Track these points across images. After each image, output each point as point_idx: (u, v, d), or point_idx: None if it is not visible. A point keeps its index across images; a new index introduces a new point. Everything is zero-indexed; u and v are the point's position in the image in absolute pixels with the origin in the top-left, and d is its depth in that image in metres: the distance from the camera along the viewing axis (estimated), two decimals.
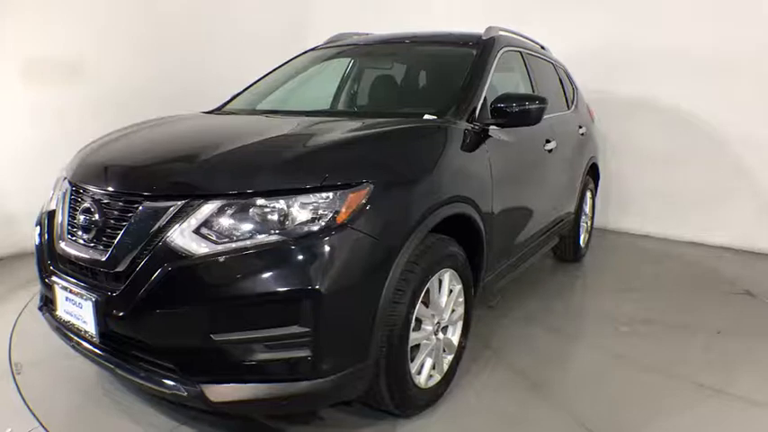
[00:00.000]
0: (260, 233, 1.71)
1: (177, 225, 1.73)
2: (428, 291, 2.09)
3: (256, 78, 3.38)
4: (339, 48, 3.50)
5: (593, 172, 4.66)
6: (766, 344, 3.00)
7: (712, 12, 4.74)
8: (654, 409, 2.31)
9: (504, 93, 2.67)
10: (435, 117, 2.46)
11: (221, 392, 1.71)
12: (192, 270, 1.69)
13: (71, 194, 2.09)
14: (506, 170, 2.71)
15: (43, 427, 2.08)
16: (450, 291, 2.29)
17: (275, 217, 1.73)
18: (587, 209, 4.56)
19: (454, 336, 2.37)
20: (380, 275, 1.83)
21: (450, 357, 2.35)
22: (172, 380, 1.75)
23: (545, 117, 3.31)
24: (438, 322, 2.22)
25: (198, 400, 1.73)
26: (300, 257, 1.68)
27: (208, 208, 1.74)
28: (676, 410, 2.30)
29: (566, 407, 2.30)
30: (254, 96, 3.24)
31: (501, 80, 3.37)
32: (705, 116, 4.94)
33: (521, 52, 3.43)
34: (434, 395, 2.26)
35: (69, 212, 2.07)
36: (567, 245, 4.35)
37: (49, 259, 2.10)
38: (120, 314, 1.76)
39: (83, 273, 1.94)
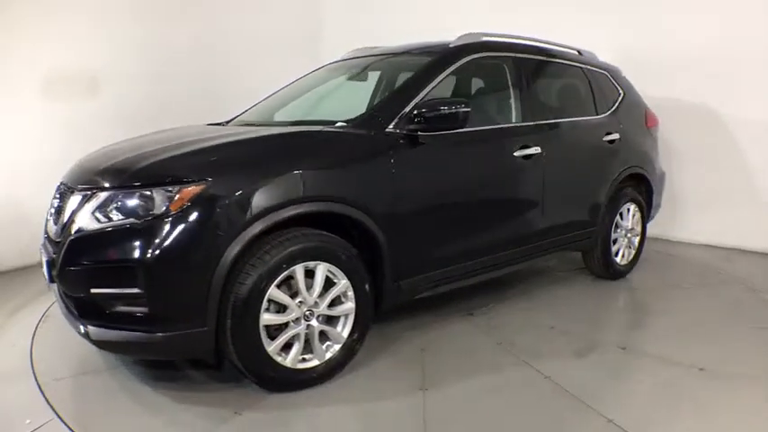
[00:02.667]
0: (122, 217, 2.18)
1: (83, 209, 2.28)
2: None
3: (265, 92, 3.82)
4: (340, 62, 3.82)
5: (639, 183, 4.22)
6: None
7: None
8: None
9: (430, 98, 2.76)
10: (345, 124, 2.68)
11: (97, 333, 2.22)
12: (84, 241, 2.23)
13: (57, 188, 2.80)
14: (429, 176, 2.78)
15: (59, 417, 2.27)
16: (335, 284, 2.48)
17: (133, 205, 2.18)
18: (628, 223, 4.12)
19: (343, 328, 2.54)
20: (211, 257, 2.15)
21: (337, 347, 2.53)
22: (76, 319, 2.29)
23: (527, 123, 3.29)
24: (310, 310, 2.42)
25: (86, 337, 2.25)
26: (139, 236, 2.12)
27: (98, 197, 2.26)
28: None
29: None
30: (264, 109, 3.67)
31: (467, 85, 3.40)
32: None
33: (512, 57, 3.38)
34: (309, 377, 2.46)
35: (53, 201, 2.78)
36: (594, 261, 4.02)
37: (44, 235, 2.83)
38: (54, 271, 2.36)
39: (50, 243, 2.60)
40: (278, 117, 3.49)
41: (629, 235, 4.17)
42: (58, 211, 2.51)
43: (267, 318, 2.30)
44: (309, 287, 2.42)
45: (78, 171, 2.56)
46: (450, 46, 3.18)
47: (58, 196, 2.60)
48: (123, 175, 2.27)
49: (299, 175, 2.36)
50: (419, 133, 2.74)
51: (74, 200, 2.37)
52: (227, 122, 3.50)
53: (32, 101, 4.27)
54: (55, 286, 2.39)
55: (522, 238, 3.34)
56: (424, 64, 3.03)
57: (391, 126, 2.70)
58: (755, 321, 3.34)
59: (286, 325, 2.39)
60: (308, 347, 2.46)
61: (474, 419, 2.27)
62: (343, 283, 2.49)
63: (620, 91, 4.18)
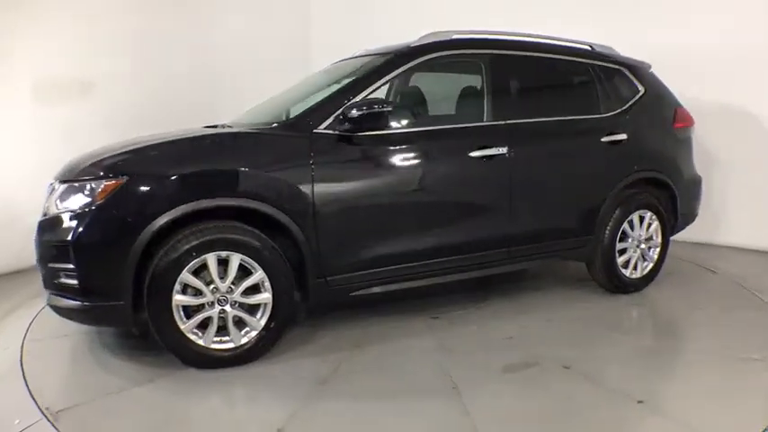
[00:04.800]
0: (68, 205, 2.58)
1: (51, 198, 2.75)
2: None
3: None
4: (341, 62, 3.92)
5: (658, 188, 3.80)
6: None
7: None
8: None
9: (360, 99, 2.83)
10: (276, 125, 2.86)
11: (51, 299, 2.65)
12: (46, 223, 2.67)
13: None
14: (359, 176, 2.85)
15: (47, 419, 2.31)
16: (250, 274, 2.66)
17: (74, 196, 2.58)
18: (641, 232, 3.73)
19: (261, 317, 2.71)
20: (125, 240, 2.46)
21: (254, 334, 2.71)
22: (45, 289, 2.74)
23: (490, 123, 3.19)
24: (224, 296, 2.63)
25: (48, 303, 2.69)
26: (69, 221, 2.52)
27: (58, 189, 2.69)
28: None
29: None
30: (262, 110, 3.85)
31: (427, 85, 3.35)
32: None
33: (487, 55, 3.30)
34: (224, 358, 2.67)
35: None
36: (596, 272, 3.72)
37: None
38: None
39: None
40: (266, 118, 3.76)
41: (642, 246, 3.77)
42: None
43: (180, 299, 2.57)
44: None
45: (59, 168, 3.06)
46: (410, 46, 3.19)
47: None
48: (74, 171, 2.68)
49: (212, 172, 2.60)
50: (357, 134, 2.83)
51: (53, 190, 2.85)
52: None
53: (26, 105, 4.34)
54: None
55: (480, 244, 3.21)
56: (372, 65, 3.09)
57: (323, 127, 2.81)
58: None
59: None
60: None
61: (348, 419, 2.33)
62: (258, 273, 2.67)
63: (640, 88, 3.81)
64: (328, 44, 4.49)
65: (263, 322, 2.72)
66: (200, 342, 2.64)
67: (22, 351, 2.97)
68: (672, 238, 4.04)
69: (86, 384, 2.63)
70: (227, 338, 2.69)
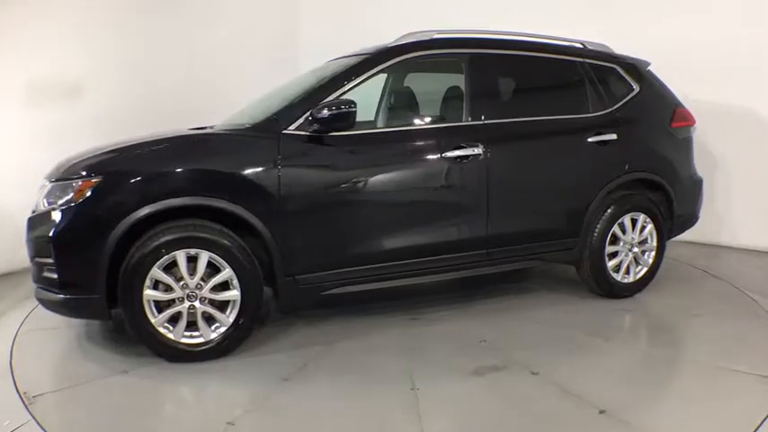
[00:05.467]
0: (51, 203, 2.71)
1: (40, 196, 2.90)
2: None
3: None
4: (333, 61, 3.95)
5: (653, 190, 3.68)
6: None
7: None
8: None
9: (330, 100, 2.86)
10: (248, 126, 2.93)
11: (38, 293, 2.80)
12: (35, 219, 2.80)
13: None
14: (327, 176, 2.89)
15: (36, 421, 2.30)
16: (220, 271, 2.73)
17: (57, 194, 2.70)
18: (634, 236, 3.62)
19: (230, 314, 2.78)
20: (98, 237, 2.57)
21: (222, 329, 2.78)
22: (34, 282, 2.89)
23: (467, 123, 3.17)
24: (193, 292, 2.71)
25: (36, 296, 2.83)
26: (51, 218, 2.64)
27: (46, 187, 2.83)
28: None
29: None
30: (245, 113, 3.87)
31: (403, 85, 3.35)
32: None
33: (467, 54, 3.28)
34: (194, 353, 2.74)
35: None
36: (585, 276, 3.63)
37: None
38: None
39: None
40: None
41: (635, 249, 3.66)
42: None
43: (150, 293, 2.66)
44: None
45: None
46: (388, 46, 3.20)
47: None
48: (59, 171, 2.81)
49: (180, 173, 2.69)
50: (328, 134, 2.87)
51: (43, 188, 3.00)
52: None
53: (16, 107, 4.34)
54: None
55: (457, 246, 3.19)
56: (347, 66, 3.11)
57: (292, 128, 2.86)
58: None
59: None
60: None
61: (298, 416, 2.36)
62: (226, 271, 2.74)
63: (634, 86, 3.70)
64: (318, 44, 4.50)
65: (231, 319, 2.79)
66: (171, 336, 2.73)
67: (12, 352, 3.00)
68: (675, 239, 3.92)
69: (66, 372, 2.78)
70: (197, 333, 2.78)
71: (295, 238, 2.84)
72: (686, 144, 3.84)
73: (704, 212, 4.11)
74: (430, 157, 3.09)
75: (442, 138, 3.11)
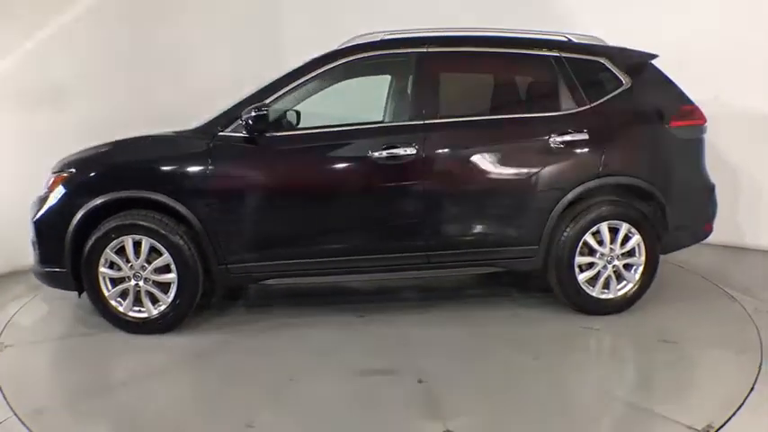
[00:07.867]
0: (43, 192, 3.34)
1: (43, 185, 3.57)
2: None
3: None
4: None
5: (642, 197, 3.26)
6: None
7: None
8: None
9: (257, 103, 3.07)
10: (192, 128, 3.25)
11: (32, 267, 3.38)
12: (33, 205, 3.41)
13: None
14: (253, 175, 3.13)
15: (17, 417, 2.41)
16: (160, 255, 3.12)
17: (46, 185, 3.31)
18: (614, 247, 3.21)
19: (169, 293, 3.13)
20: (63, 221, 3.09)
21: (163, 307, 3.14)
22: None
23: (401, 123, 3.19)
24: (138, 273, 3.12)
25: (31, 269, 3.42)
26: (38, 204, 3.23)
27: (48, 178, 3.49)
28: None
29: None
30: None
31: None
32: None
33: (415, 54, 3.23)
34: (139, 324, 3.15)
35: None
36: (553, 287, 3.33)
37: None
38: None
39: None
40: None
41: (616, 262, 3.25)
42: None
43: (103, 271, 3.13)
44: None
45: None
46: (335, 48, 3.31)
47: None
48: (54, 166, 3.44)
49: (126, 170, 3.14)
50: (262, 135, 3.10)
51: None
52: None
53: (8, 112, 4.37)
54: None
55: (391, 247, 3.18)
56: (291, 68, 3.28)
57: (228, 130, 3.13)
58: None
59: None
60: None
61: (182, 387, 2.63)
62: (165, 256, 3.11)
63: (624, 81, 3.29)
64: (304, 45, 4.54)
65: (170, 298, 3.16)
66: (120, 309, 3.18)
67: None
68: None
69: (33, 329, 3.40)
70: (143, 309, 3.20)
71: (225, 231, 3.11)
72: (691, 146, 3.30)
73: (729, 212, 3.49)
74: (360, 156, 3.11)
75: (373, 137, 3.13)
